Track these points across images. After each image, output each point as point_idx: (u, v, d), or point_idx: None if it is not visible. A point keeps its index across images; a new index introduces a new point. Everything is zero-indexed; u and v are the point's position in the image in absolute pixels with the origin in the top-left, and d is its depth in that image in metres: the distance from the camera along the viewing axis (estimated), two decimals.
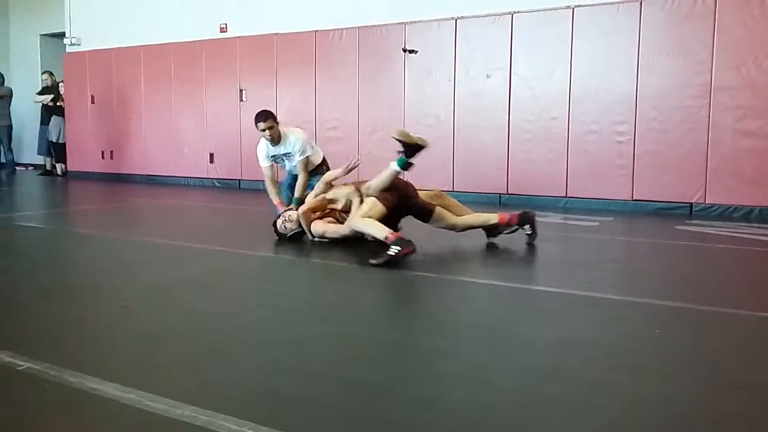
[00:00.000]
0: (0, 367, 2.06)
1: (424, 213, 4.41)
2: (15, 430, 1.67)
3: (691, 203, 6.42)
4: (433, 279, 3.51)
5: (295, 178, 5.72)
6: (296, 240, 4.54)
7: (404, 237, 3.78)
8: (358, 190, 4.44)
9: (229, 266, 3.91)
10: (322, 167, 5.75)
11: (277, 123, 5.56)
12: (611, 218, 6.13)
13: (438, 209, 4.42)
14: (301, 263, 4.05)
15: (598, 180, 6.79)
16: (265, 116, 5.47)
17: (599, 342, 2.44)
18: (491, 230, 4.56)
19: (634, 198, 6.66)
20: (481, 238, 4.55)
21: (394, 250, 3.65)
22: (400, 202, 4.26)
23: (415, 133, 4.16)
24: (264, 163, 5.69)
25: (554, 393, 1.93)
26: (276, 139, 5.52)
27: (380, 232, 3.88)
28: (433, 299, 3.14)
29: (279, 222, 4.65)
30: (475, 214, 4.62)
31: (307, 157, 5.63)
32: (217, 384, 1.97)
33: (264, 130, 5.45)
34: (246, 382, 1.99)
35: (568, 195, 6.96)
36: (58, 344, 2.33)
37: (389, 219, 4.21)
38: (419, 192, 4.43)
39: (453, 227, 4.51)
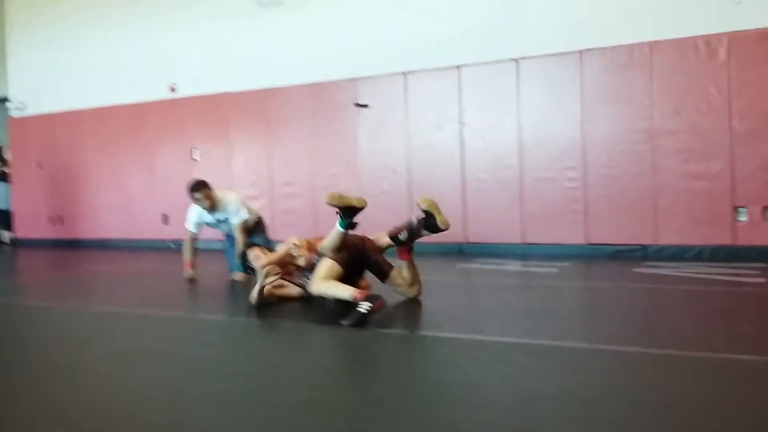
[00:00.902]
0: None
1: (381, 273, 4.37)
2: None
3: (645, 245, 6.56)
4: (395, 335, 3.45)
5: (234, 240, 5.71)
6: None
7: (372, 293, 3.73)
8: (314, 250, 4.40)
9: (187, 333, 3.78)
10: (261, 226, 5.77)
11: (211, 190, 5.52)
12: (569, 263, 6.20)
13: (395, 271, 4.38)
14: (259, 326, 3.95)
15: (553, 226, 6.89)
16: (199, 187, 5.46)
17: (569, 394, 2.42)
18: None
19: (590, 242, 6.77)
20: (442, 292, 4.52)
21: (364, 307, 3.60)
22: (357, 258, 4.23)
23: (355, 193, 4.20)
24: (191, 228, 5.70)
25: None
26: (213, 207, 5.48)
27: (345, 292, 3.83)
28: (395, 357, 3.07)
29: (251, 255, 4.98)
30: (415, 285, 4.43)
31: (244, 219, 5.58)
32: None
33: (199, 200, 5.42)
34: None
35: (525, 241, 7.04)
36: (9, 424, 2.18)
37: (349, 276, 4.16)
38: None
39: (398, 285, 4.38)
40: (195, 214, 5.64)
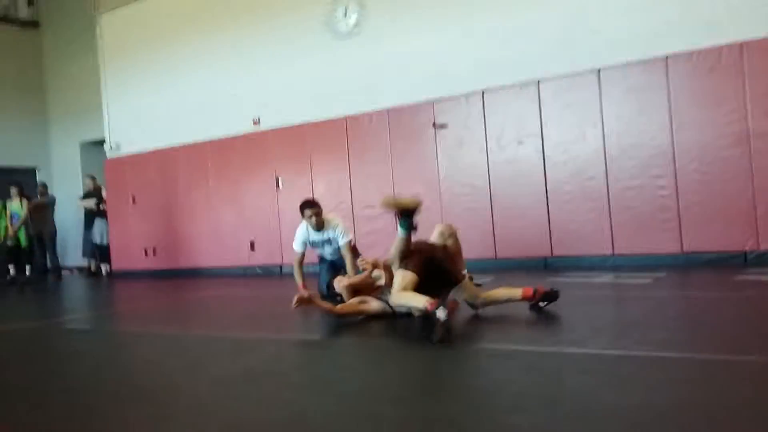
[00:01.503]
0: None
1: (451, 281, 4.31)
2: None
3: (745, 251, 6.27)
4: (491, 350, 3.43)
5: (331, 265, 5.90)
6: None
7: (441, 299, 3.71)
8: (384, 267, 4.45)
9: (286, 354, 3.88)
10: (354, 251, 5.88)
11: (322, 209, 5.72)
12: (663, 273, 5.99)
13: (466, 280, 4.36)
14: (352, 345, 4.00)
15: (644, 235, 6.70)
16: (312, 204, 5.68)
17: (692, 406, 2.34)
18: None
19: (684, 251, 6.53)
20: (525, 306, 4.44)
21: (440, 314, 3.57)
22: (429, 263, 4.16)
23: (413, 196, 4.34)
24: (299, 249, 5.87)
25: None
26: (320, 226, 5.66)
27: (419, 302, 3.81)
28: (496, 372, 3.04)
29: (336, 281, 4.98)
30: (498, 289, 4.51)
31: (350, 240, 5.71)
32: None
33: (311, 217, 5.63)
34: None
35: (614, 253, 6.86)
36: None
37: (426, 283, 4.11)
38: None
39: (474, 300, 4.38)
40: (301, 233, 5.83)
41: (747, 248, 6.26)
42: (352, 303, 4.52)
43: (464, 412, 2.51)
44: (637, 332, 3.66)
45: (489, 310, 4.45)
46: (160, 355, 4.11)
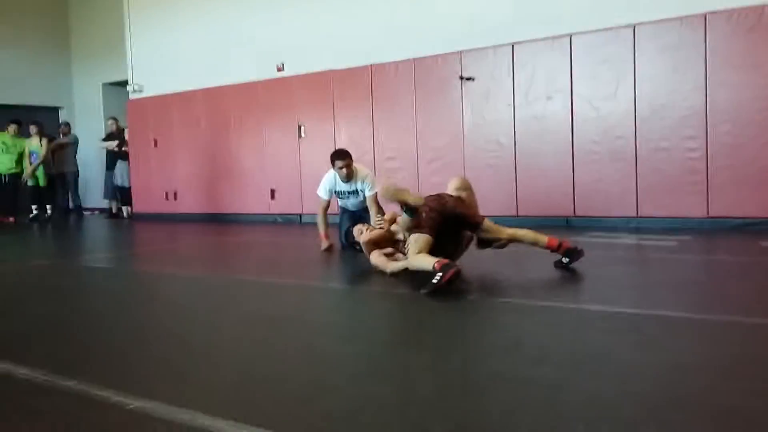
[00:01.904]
0: (111, 405, 2.06)
1: (472, 224, 4.28)
2: None
3: None
4: (514, 305, 3.41)
5: (351, 215, 5.86)
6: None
7: (449, 262, 3.69)
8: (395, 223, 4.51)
9: (307, 299, 3.90)
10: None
11: (353, 161, 5.64)
12: (689, 237, 5.91)
13: (486, 221, 4.31)
14: (376, 294, 4.01)
15: (670, 198, 6.58)
16: (343, 156, 5.62)
17: (715, 366, 2.31)
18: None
19: (710, 215, 6.43)
20: (549, 262, 4.40)
21: (437, 277, 3.59)
22: (439, 216, 4.09)
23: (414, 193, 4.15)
24: (324, 196, 5.85)
25: (682, 422, 1.82)
26: (349, 177, 5.60)
27: (428, 264, 3.77)
28: (518, 326, 3.02)
29: (355, 230, 4.98)
30: (525, 230, 4.45)
31: (377, 192, 5.65)
32: (330, 418, 1.93)
33: (341, 168, 5.56)
34: (357, 416, 1.94)
35: (639, 215, 6.77)
36: (164, 382, 2.32)
37: (442, 239, 4.10)
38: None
39: (498, 236, 4.33)
40: (329, 181, 5.79)
41: None
42: (381, 258, 4.50)
43: (486, 362, 2.51)
44: (662, 293, 3.62)
45: (511, 268, 4.42)
46: (182, 296, 4.15)
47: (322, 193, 5.86)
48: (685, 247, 5.40)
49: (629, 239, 5.96)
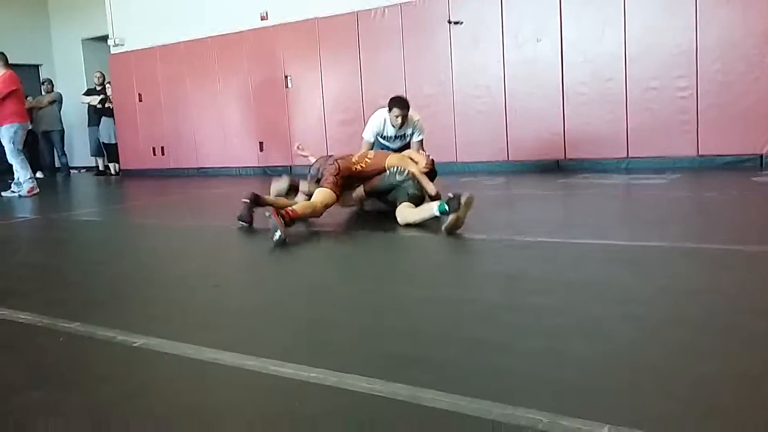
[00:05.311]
0: (116, 344, 2.08)
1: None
2: (150, 397, 1.68)
3: (761, 155, 6.19)
4: (508, 241, 3.42)
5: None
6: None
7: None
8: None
9: (307, 245, 3.90)
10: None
11: (408, 111, 5.30)
12: (678, 175, 5.94)
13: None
14: (374, 236, 4.02)
15: (660, 138, 6.59)
16: (402, 105, 5.21)
17: (715, 290, 2.35)
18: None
19: (700, 153, 6.45)
20: (547, 203, 4.43)
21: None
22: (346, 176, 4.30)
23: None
24: (369, 138, 5.42)
25: (686, 339, 1.85)
26: (401, 126, 5.35)
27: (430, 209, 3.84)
28: (515, 260, 3.04)
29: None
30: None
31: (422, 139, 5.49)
32: (334, 347, 1.95)
33: (397, 117, 5.24)
34: (363, 346, 1.97)
35: (629, 155, 6.78)
36: (167, 322, 2.33)
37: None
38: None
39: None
40: (377, 123, 5.37)
41: (765, 151, 6.18)
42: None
43: (486, 292, 2.54)
44: (658, 227, 3.65)
45: (504, 210, 4.42)
46: (176, 245, 4.14)
47: (369, 135, 5.43)
48: (675, 184, 5.43)
49: (621, 179, 5.98)
